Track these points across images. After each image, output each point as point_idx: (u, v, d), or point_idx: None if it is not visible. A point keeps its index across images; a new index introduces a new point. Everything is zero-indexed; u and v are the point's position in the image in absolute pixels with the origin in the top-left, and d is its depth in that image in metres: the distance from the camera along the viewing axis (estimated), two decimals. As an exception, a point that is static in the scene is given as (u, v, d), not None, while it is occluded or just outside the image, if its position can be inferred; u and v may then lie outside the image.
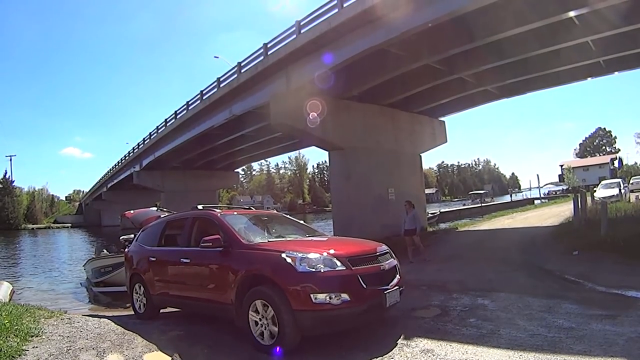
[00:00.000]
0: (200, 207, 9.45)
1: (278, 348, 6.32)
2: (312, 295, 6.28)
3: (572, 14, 17.10)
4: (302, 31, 21.72)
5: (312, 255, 6.60)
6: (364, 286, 6.60)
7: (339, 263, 6.58)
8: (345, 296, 6.37)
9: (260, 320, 6.70)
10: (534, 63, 22.86)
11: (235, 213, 9.20)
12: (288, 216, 10.66)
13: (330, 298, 6.30)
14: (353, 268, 6.64)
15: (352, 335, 7.03)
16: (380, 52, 20.32)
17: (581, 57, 22.11)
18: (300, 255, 6.58)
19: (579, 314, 7.81)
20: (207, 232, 8.27)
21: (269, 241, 7.76)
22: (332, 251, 6.80)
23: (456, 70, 23.37)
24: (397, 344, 6.79)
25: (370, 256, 7.20)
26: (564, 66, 23.38)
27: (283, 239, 8.23)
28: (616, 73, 25.66)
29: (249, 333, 6.82)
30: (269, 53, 24.51)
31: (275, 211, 11.42)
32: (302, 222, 10.36)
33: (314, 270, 6.44)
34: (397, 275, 7.46)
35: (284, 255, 6.65)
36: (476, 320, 7.81)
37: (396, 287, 7.18)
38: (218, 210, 8.90)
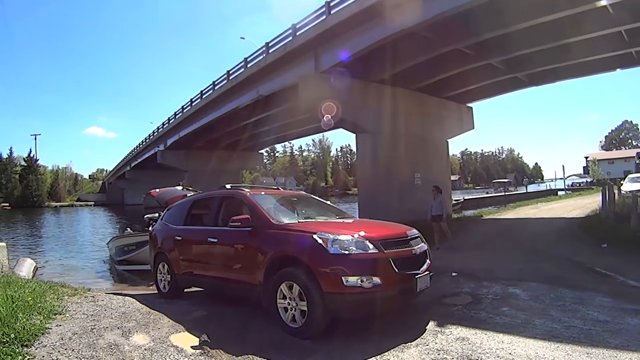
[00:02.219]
0: (228, 186, 9.30)
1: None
2: (343, 278, 6.16)
3: (606, 2, 16.82)
4: (331, 12, 21.59)
5: (344, 237, 6.48)
6: (396, 270, 6.47)
7: (371, 246, 6.45)
8: (376, 280, 6.26)
9: (289, 302, 6.61)
10: (565, 51, 22.52)
11: (263, 193, 8.98)
12: (316, 197, 10.51)
13: (361, 281, 6.18)
14: (385, 251, 6.50)
15: (384, 320, 6.86)
16: (410, 35, 20.21)
17: (613, 47, 21.87)
18: (332, 236, 6.45)
19: (613, 307, 7.65)
20: (235, 212, 8.17)
21: (298, 222, 7.65)
22: (364, 233, 6.67)
23: (486, 56, 23.17)
24: (430, 330, 6.68)
25: (402, 240, 7.05)
26: (596, 55, 23.13)
27: (312, 220, 8.11)
28: (646, 65, 25.34)
29: (277, 315, 6.73)
30: (297, 34, 24.47)
31: (303, 192, 11.20)
32: (330, 203, 10.27)
33: (346, 252, 6.32)
34: (428, 260, 7.31)
35: (315, 236, 6.52)
36: (509, 310, 7.67)
37: (427, 272, 7.05)
38: (247, 190, 8.74)
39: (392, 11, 18.95)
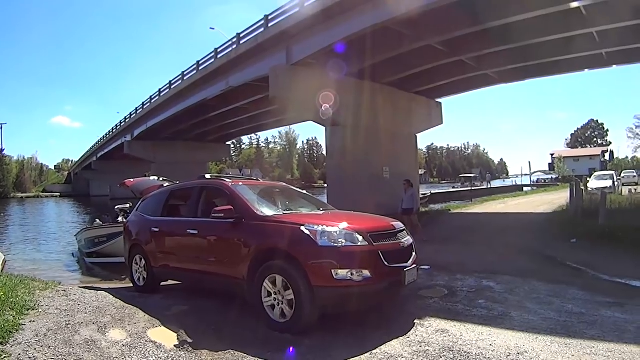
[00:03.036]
0: (208, 176, 9.15)
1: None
2: (333, 271, 6.05)
3: (580, 3, 17.06)
4: (305, 4, 21.47)
5: (333, 229, 6.35)
6: (385, 263, 6.38)
7: (360, 238, 6.34)
8: (366, 273, 6.16)
9: (275, 296, 6.45)
10: (536, 50, 22.91)
11: (242, 184, 8.65)
12: (297, 189, 10.38)
13: (352, 274, 6.07)
14: (374, 244, 6.40)
15: (364, 313, 6.89)
16: (383, 29, 20.14)
17: (584, 48, 22.22)
18: (320, 228, 6.33)
19: (587, 300, 7.84)
20: (216, 203, 8.09)
21: (283, 213, 7.50)
22: (352, 226, 6.57)
23: (458, 53, 23.32)
24: (410, 322, 6.70)
25: (390, 232, 6.96)
26: (566, 55, 23.57)
27: (296, 211, 7.98)
28: (614, 66, 25.93)
29: (262, 310, 6.57)
30: (269, 25, 24.34)
31: (283, 183, 10.99)
32: (310, 195, 10.12)
33: (335, 244, 6.21)
34: (414, 253, 7.22)
35: (303, 228, 6.38)
36: (485, 302, 7.81)
37: (414, 266, 6.98)
38: (228, 180, 8.50)
39: (368, 4, 19.02)
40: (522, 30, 19.80)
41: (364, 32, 20.00)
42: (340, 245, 6.22)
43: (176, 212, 9.33)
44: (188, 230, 8.18)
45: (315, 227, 6.38)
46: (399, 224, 7.38)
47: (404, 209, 16.68)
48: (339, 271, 6.06)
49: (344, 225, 6.53)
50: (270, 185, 9.89)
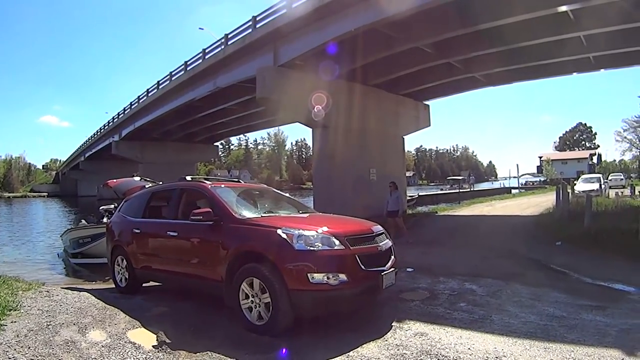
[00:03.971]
0: (188, 178, 9.04)
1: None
2: (309, 275, 6.04)
3: (568, 7, 17.08)
4: (293, 6, 21.43)
5: (309, 233, 6.34)
6: (362, 267, 6.37)
7: (337, 242, 6.34)
8: (343, 277, 6.15)
9: (252, 299, 6.44)
10: (523, 53, 23.00)
11: (223, 186, 8.67)
12: (278, 191, 10.31)
13: (327, 278, 6.07)
14: (351, 247, 6.40)
15: (343, 315, 6.85)
16: (370, 31, 20.16)
17: (572, 51, 22.26)
18: (297, 232, 6.33)
19: (569, 303, 7.82)
20: (196, 205, 8.04)
21: (262, 216, 7.50)
22: (329, 229, 6.55)
23: (446, 55, 23.43)
24: (389, 325, 6.65)
25: (368, 236, 6.96)
26: (553, 59, 23.58)
27: (275, 214, 7.98)
28: (602, 70, 26.15)
29: (239, 312, 6.56)
30: (257, 26, 24.29)
31: (264, 185, 10.95)
32: (291, 197, 10.10)
33: (311, 248, 6.20)
34: (392, 257, 7.20)
35: (280, 231, 6.37)
36: (466, 305, 7.77)
37: (392, 269, 6.95)
38: (208, 182, 8.49)
39: (356, 6, 19.03)
40: (510, 33, 19.82)
41: (352, 33, 20.02)
42: (316, 249, 6.21)
43: (157, 214, 9.27)
44: (168, 232, 8.15)
45: (292, 230, 6.37)
46: (377, 228, 7.36)
47: (389, 211, 16.67)
48: (315, 275, 6.05)
49: (320, 229, 6.52)
50: (251, 188, 9.79)
